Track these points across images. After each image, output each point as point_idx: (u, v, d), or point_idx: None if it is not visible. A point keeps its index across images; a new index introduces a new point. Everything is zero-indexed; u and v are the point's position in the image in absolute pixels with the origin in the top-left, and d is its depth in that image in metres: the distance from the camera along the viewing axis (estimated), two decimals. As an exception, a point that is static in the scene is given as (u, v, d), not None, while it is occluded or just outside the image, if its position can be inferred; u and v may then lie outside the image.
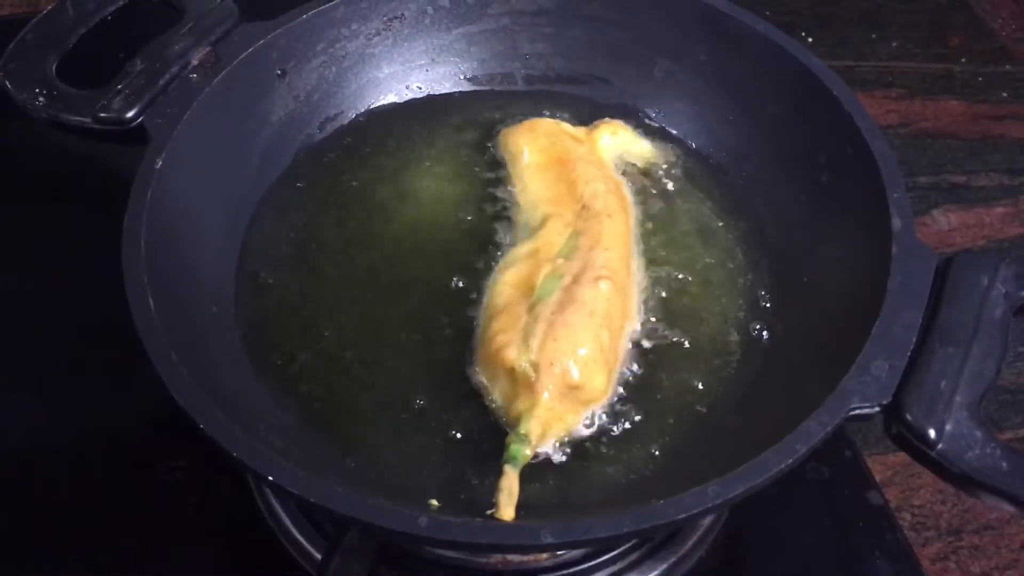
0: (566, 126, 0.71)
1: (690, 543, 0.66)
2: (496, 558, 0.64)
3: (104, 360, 0.73)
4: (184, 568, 0.65)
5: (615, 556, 0.64)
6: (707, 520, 0.66)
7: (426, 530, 0.45)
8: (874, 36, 1.19)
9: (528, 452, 0.54)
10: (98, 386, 0.73)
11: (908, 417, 0.48)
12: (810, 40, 1.16)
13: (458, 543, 0.46)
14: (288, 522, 0.65)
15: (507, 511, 0.50)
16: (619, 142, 0.71)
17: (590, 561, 0.64)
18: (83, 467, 0.69)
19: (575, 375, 0.55)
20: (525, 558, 0.64)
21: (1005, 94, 1.13)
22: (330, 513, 0.46)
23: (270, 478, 0.46)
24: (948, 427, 0.48)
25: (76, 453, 0.70)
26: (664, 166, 0.71)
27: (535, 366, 0.55)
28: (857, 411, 0.49)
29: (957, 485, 0.48)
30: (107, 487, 0.68)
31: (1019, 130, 1.09)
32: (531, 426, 0.54)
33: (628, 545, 0.65)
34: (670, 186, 0.70)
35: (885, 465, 0.77)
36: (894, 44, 1.18)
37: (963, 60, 1.17)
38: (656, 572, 0.64)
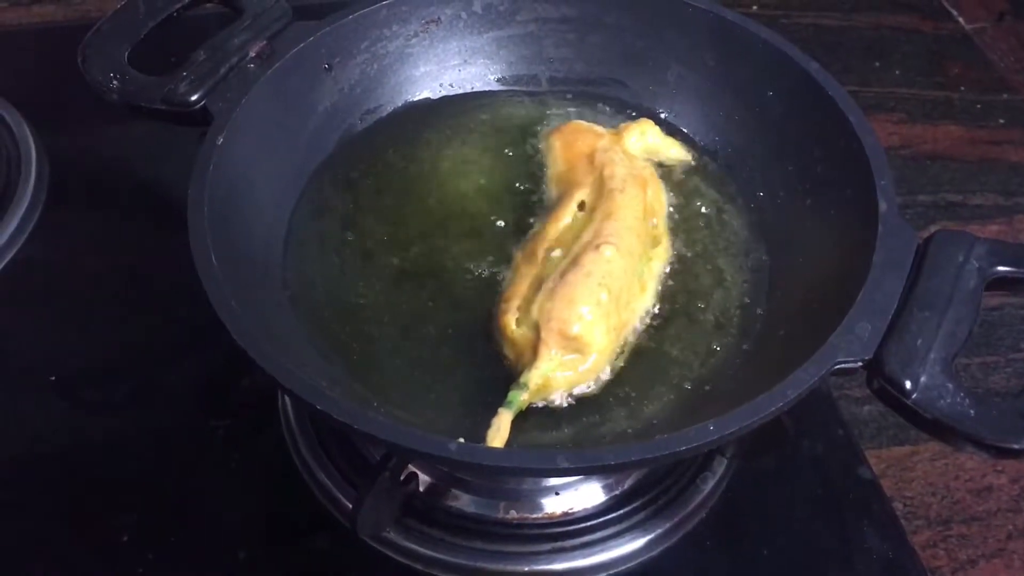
0: (595, 125, 0.77)
1: (692, 505, 0.70)
2: (512, 513, 0.69)
3: (164, 341, 0.80)
4: (227, 516, 0.70)
5: (622, 515, 0.70)
6: (708, 485, 0.71)
7: (455, 454, 0.50)
8: (878, 64, 1.25)
9: (524, 398, 0.59)
10: (158, 361, 0.79)
11: (887, 371, 0.54)
12: (822, 68, 1.22)
13: (483, 466, 0.51)
14: (322, 475, 0.70)
15: (493, 445, 0.56)
16: (647, 141, 0.75)
17: (599, 518, 0.69)
18: (145, 430, 0.75)
19: (572, 328, 0.60)
20: (538, 514, 0.69)
21: (1002, 120, 1.18)
22: (371, 439, 0.52)
23: (318, 407, 0.51)
24: (923, 379, 0.53)
25: (138, 416, 0.76)
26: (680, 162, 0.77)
27: (535, 325, 0.61)
28: (842, 365, 0.54)
29: (930, 431, 0.53)
30: (163, 445, 0.74)
31: (1015, 154, 1.14)
32: (531, 376, 0.60)
33: (634, 505, 0.70)
34: (681, 179, 0.76)
35: (880, 458, 0.82)
36: (897, 72, 1.24)
37: (962, 88, 1.23)
38: (660, 531, 0.69)
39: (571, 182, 0.71)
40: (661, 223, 0.71)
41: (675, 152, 0.76)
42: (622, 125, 0.76)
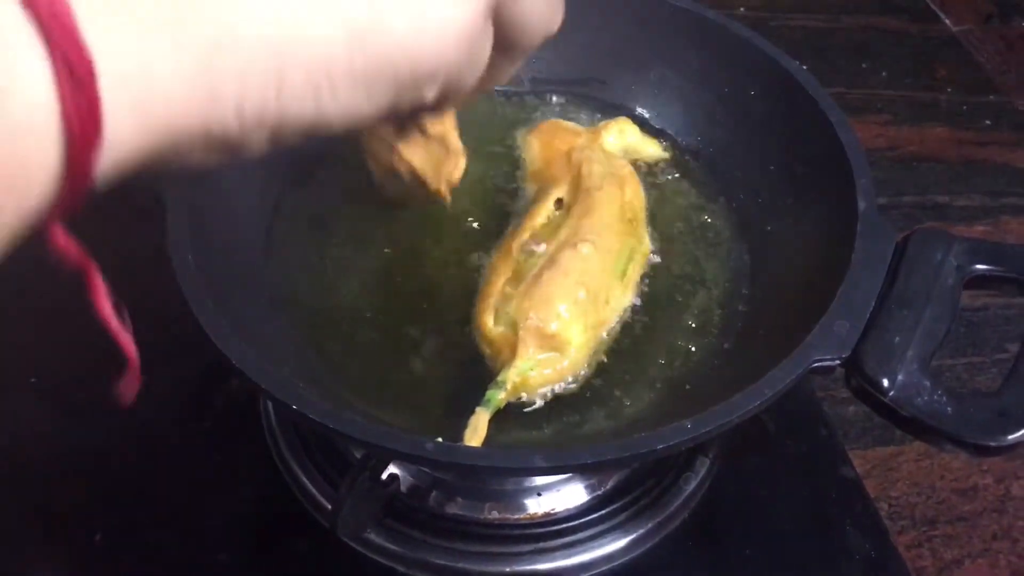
0: (572, 124, 0.77)
1: (674, 506, 0.70)
2: (494, 514, 0.69)
3: (146, 342, 0.76)
4: (207, 517, 0.70)
5: (604, 515, 0.69)
6: (691, 485, 0.71)
7: (432, 453, 0.50)
8: (865, 66, 1.25)
9: (502, 396, 0.58)
10: (140, 362, 0.78)
11: (865, 369, 0.53)
12: (803, 68, 1.23)
13: (460, 465, 0.51)
14: (303, 476, 0.70)
15: (471, 444, 0.55)
16: (625, 139, 0.76)
17: (581, 519, 0.69)
18: (125, 431, 0.74)
19: (549, 326, 0.60)
20: (520, 515, 0.69)
21: (988, 122, 1.19)
22: (347, 439, 0.52)
23: (294, 407, 0.51)
24: (900, 377, 0.53)
25: (119, 418, 0.73)
26: (658, 161, 0.77)
27: (512, 324, 0.61)
28: (819, 363, 0.54)
29: (908, 429, 0.53)
30: (143, 446, 0.73)
31: (1001, 155, 1.15)
32: (508, 374, 0.59)
33: (616, 505, 0.70)
34: (662, 178, 0.76)
35: (864, 459, 0.82)
36: (884, 74, 1.25)
37: (949, 90, 1.23)
38: (642, 531, 0.69)
39: (548, 180, 0.71)
40: (640, 221, 0.70)
41: (653, 150, 0.76)
42: (600, 123, 0.76)
